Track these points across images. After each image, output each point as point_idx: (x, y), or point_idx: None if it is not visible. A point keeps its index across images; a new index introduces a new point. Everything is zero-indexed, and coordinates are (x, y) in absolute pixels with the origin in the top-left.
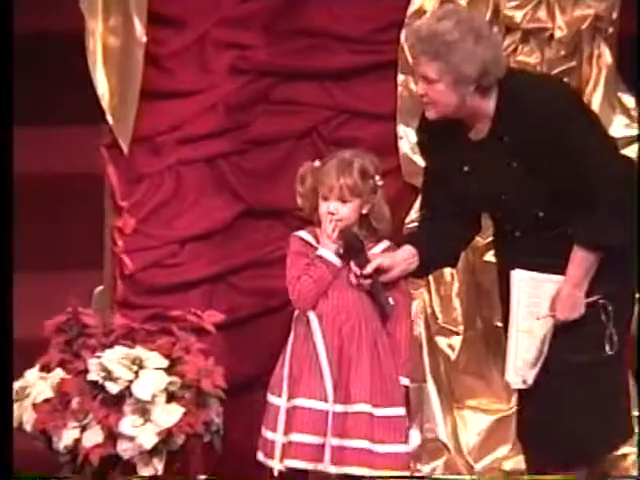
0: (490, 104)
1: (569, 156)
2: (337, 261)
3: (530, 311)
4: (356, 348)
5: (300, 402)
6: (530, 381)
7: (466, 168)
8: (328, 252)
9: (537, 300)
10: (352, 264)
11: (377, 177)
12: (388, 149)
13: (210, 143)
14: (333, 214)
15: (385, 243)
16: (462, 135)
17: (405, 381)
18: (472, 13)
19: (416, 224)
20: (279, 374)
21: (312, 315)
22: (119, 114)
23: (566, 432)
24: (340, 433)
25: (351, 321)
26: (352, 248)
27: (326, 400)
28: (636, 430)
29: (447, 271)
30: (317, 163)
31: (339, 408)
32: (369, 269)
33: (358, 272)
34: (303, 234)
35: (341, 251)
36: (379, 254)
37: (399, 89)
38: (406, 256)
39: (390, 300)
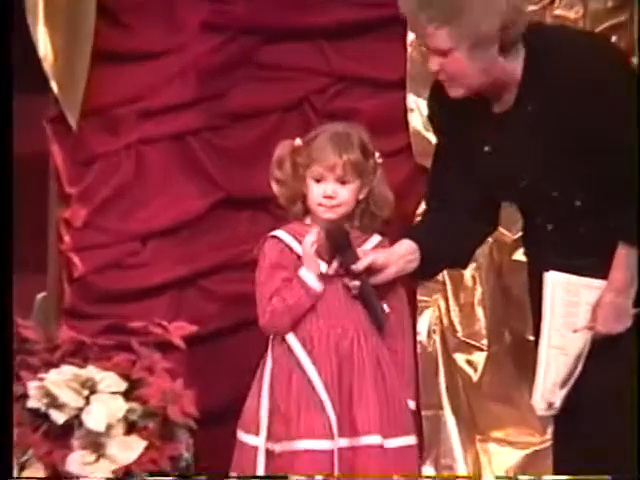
0: (516, 67)
1: (610, 134)
2: (318, 286)
3: (565, 322)
4: (357, 369)
5: (303, 445)
6: (557, 405)
7: (487, 148)
8: (310, 275)
9: (574, 310)
10: (335, 262)
11: (377, 154)
12: (396, 124)
13: (178, 117)
14: (332, 197)
15: (377, 238)
16: (483, 108)
17: (412, 404)
18: None
19: (419, 216)
20: (254, 407)
21: (293, 339)
22: (66, 81)
23: (610, 470)
24: (348, 474)
25: (349, 336)
26: (336, 242)
27: (332, 437)
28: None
29: (468, 273)
30: (298, 141)
31: (344, 442)
32: (360, 266)
33: (335, 270)
34: (282, 234)
35: (324, 271)
36: (371, 251)
37: (409, 50)
38: (404, 252)
39: (384, 307)
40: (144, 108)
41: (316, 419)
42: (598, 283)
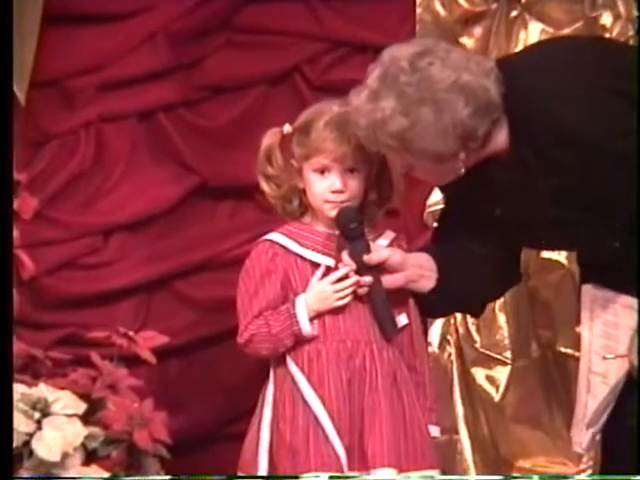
0: (502, 134)
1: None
2: (309, 329)
3: (606, 345)
4: (369, 388)
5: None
6: (585, 444)
7: (498, 211)
8: (304, 315)
9: (615, 332)
10: (345, 254)
11: None
12: None
13: (146, 89)
14: (342, 191)
15: (391, 234)
16: (482, 172)
17: (435, 431)
18: (421, 60)
19: (433, 241)
20: (255, 442)
21: (292, 363)
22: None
23: None
24: None
25: (361, 350)
26: (348, 227)
27: (341, 469)
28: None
29: None
30: (288, 127)
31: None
32: (374, 258)
33: (352, 265)
34: (277, 237)
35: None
36: (386, 247)
37: (417, 11)
38: (422, 263)
39: (403, 317)
40: (106, 79)
41: (327, 451)
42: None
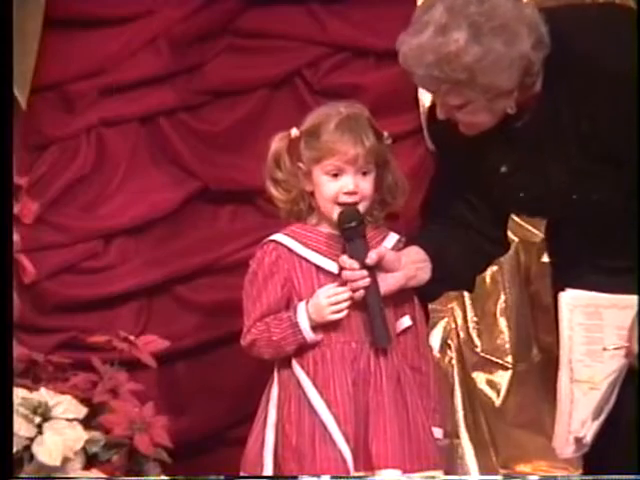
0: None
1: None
2: (311, 336)
3: (589, 350)
4: (374, 389)
5: None
6: (588, 439)
7: (504, 168)
8: (306, 324)
9: (599, 335)
10: (344, 256)
11: (385, 134)
12: (404, 102)
13: (147, 94)
14: (354, 193)
15: (394, 236)
16: (502, 122)
17: (438, 433)
18: None
19: (422, 211)
20: (259, 442)
21: (297, 366)
22: (13, 50)
23: None
24: None
25: (365, 351)
26: (348, 227)
27: (347, 472)
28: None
29: (489, 277)
30: (295, 131)
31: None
32: (374, 256)
33: (348, 264)
34: (282, 238)
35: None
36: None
37: None
38: (414, 257)
39: (407, 320)
40: (107, 84)
41: (333, 453)
42: (624, 301)
